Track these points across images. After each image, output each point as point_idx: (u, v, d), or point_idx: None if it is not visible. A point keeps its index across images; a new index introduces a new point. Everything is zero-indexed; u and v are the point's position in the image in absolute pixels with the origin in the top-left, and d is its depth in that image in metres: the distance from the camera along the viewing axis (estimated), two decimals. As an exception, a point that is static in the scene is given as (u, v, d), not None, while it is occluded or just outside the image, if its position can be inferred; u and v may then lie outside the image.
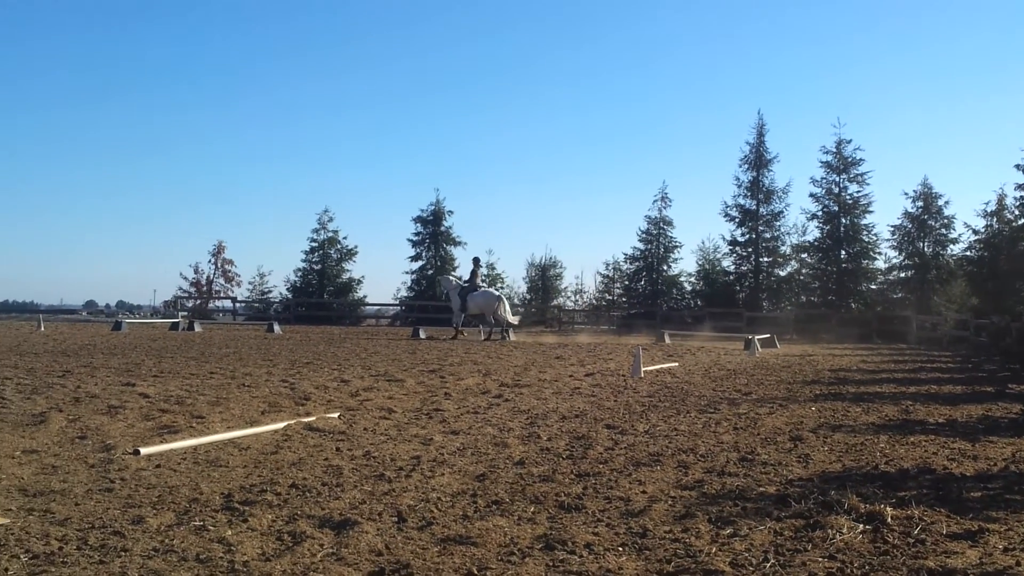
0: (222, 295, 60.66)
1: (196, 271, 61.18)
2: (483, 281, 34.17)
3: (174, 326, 35.32)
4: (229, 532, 5.20)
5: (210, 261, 61.55)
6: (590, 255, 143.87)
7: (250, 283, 60.55)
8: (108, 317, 56.33)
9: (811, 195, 51.53)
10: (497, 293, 34.08)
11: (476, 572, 4.57)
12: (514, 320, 35.32)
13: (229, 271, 61.67)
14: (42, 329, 31.59)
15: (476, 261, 35.44)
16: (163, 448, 7.76)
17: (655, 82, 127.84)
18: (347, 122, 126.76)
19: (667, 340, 32.63)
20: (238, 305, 59.07)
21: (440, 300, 54.41)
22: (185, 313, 49.77)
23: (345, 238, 58.57)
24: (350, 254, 58.19)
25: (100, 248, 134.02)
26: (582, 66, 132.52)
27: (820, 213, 51.41)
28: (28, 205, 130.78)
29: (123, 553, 4.73)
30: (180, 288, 60.86)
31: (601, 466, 7.58)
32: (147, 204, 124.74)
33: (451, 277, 35.40)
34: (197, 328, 34.47)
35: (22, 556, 4.63)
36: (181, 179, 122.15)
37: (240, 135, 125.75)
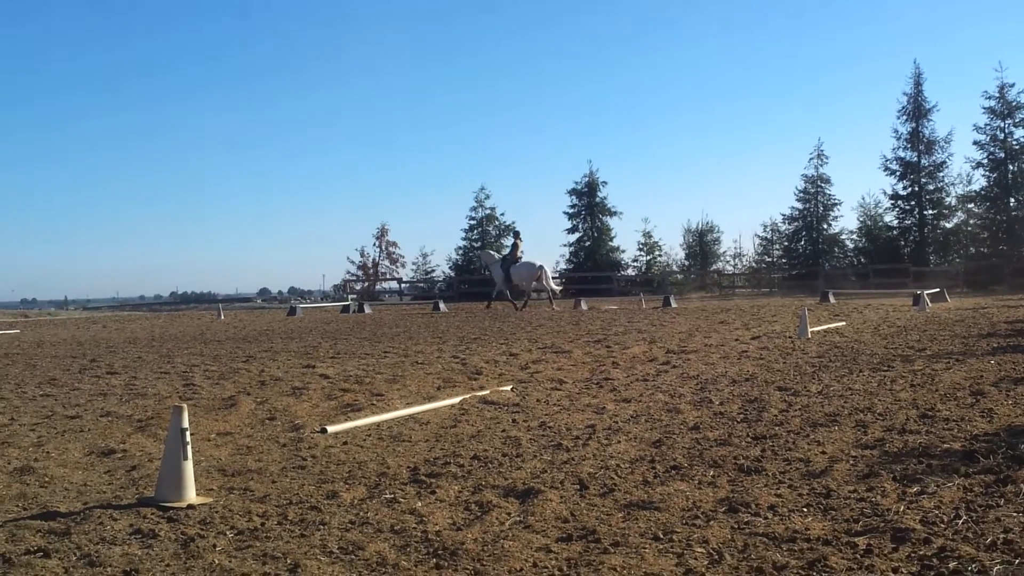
0: (388, 276, 61.99)
1: (362, 255, 62.69)
2: (521, 253, 34.10)
3: (345, 309, 36.36)
4: (419, 504, 5.39)
5: (375, 244, 62.95)
6: (747, 218, 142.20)
7: (414, 263, 61.79)
8: (281, 303, 58.34)
9: (975, 143, 49.68)
10: (539, 263, 34.03)
11: (662, 536, 4.64)
12: (557, 288, 35.71)
13: (393, 253, 62.92)
14: (222, 317, 32.97)
15: (516, 234, 35.97)
16: (348, 426, 8.07)
17: (808, 35, 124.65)
18: (500, 97, 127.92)
19: (831, 300, 31.90)
20: (403, 285, 60.33)
21: (600, 271, 54.54)
22: (354, 296, 51.09)
23: (503, 214, 59.20)
24: (508, 230, 58.67)
25: (271, 237, 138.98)
26: (735, 22, 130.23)
27: (985, 161, 49.48)
28: (204, 202, 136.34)
29: (322, 527, 4.95)
30: (348, 272, 62.58)
31: (777, 428, 7.54)
32: (312, 192, 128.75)
33: (491, 251, 36.42)
34: (367, 310, 35.40)
35: (228, 532, 4.89)
36: (345, 166, 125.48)
37: (396, 119, 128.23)
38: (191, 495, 5.53)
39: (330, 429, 7.86)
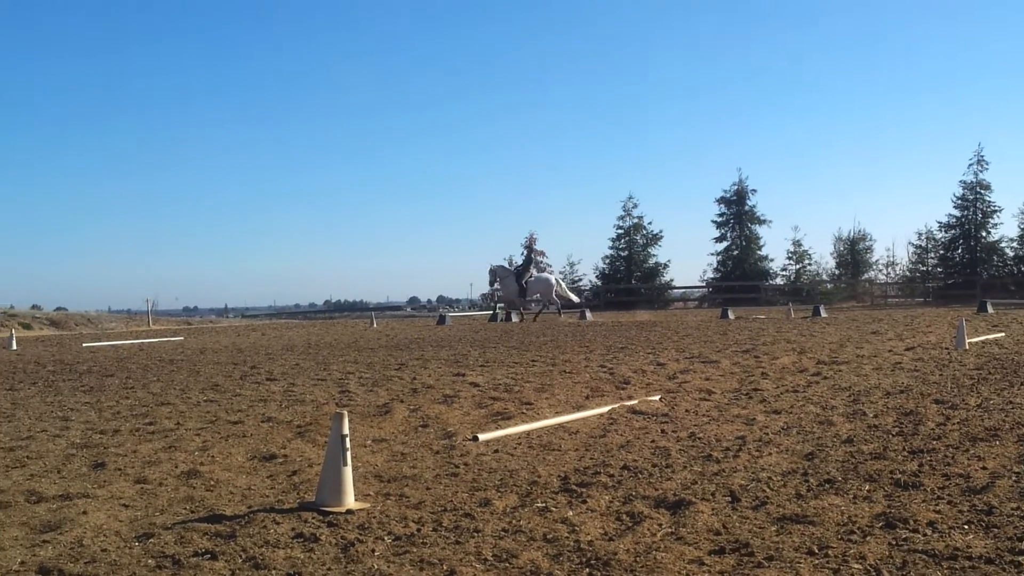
0: (536, 285, 62.16)
1: (510, 263, 63.18)
2: (541, 266, 34.88)
3: (492, 318, 36.70)
4: (570, 513, 5.44)
5: (522, 253, 63.33)
6: (901, 225, 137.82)
7: (561, 272, 61.96)
8: (430, 312, 59.27)
9: None
10: (552, 277, 35.09)
11: (817, 551, 4.58)
12: (575, 298, 37.00)
13: (541, 262, 63.11)
14: (374, 326, 33.68)
15: (531, 241, 36.14)
16: (499, 434, 8.18)
17: (968, 37, 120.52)
18: (649, 104, 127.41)
19: (989, 310, 30.77)
20: (550, 294, 60.49)
21: (748, 280, 53.77)
22: (502, 305, 51.52)
23: (650, 223, 58.91)
24: (655, 239, 58.46)
25: (421, 246, 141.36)
26: (888, 24, 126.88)
27: None
28: (356, 212, 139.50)
29: (476, 534, 5.05)
30: (496, 281, 63.08)
31: (934, 442, 7.34)
32: (460, 202, 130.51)
33: (503, 265, 35.57)
34: (514, 319, 35.65)
35: (386, 538, 5.03)
36: (493, 175, 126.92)
37: (544, 133, 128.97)
38: (350, 500, 5.69)
39: (481, 437, 7.99)
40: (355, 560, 4.61)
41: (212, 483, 6.49)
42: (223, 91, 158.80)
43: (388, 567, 4.48)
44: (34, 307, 45.91)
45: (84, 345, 24.76)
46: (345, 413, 5.81)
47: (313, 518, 5.43)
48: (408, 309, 66.77)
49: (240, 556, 4.72)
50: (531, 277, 33.96)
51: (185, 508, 5.80)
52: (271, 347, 22.11)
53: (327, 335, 28.05)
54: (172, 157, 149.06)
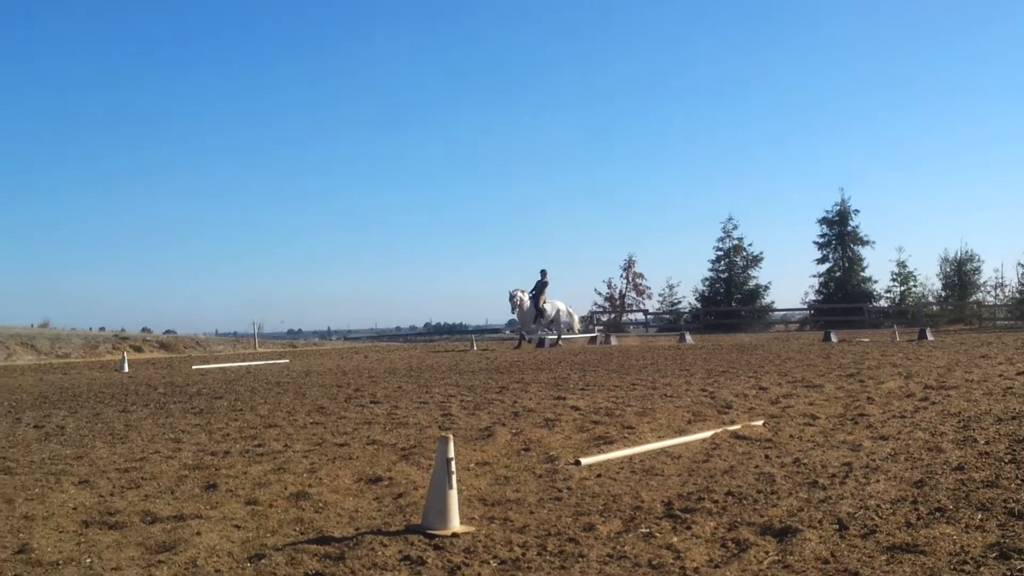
0: (634, 308, 62.24)
1: (609, 286, 63.32)
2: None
3: (592, 340, 36.71)
4: (675, 539, 5.43)
5: (622, 276, 63.48)
6: (1010, 246, 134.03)
7: (660, 295, 61.93)
8: (529, 335, 59.46)
9: None
10: (565, 304, 35.31)
11: (928, 581, 4.51)
12: (578, 326, 37.63)
13: (640, 284, 63.22)
14: (475, 349, 33.90)
15: (543, 273, 35.09)
16: (601, 458, 8.18)
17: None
18: (752, 128, 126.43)
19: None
20: (649, 317, 60.49)
21: (851, 302, 52.89)
22: (601, 327, 51.60)
23: (750, 245, 58.49)
24: (756, 260, 58.02)
25: (518, 269, 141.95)
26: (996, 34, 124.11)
27: None
28: (456, 233, 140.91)
29: (580, 559, 5.07)
30: (595, 303, 63.27)
31: (1051, 471, 7.15)
32: (558, 224, 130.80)
33: (521, 291, 34.37)
34: (613, 341, 35.62)
35: (491, 562, 5.08)
36: (591, 198, 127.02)
37: (641, 153, 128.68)
38: (455, 524, 5.76)
39: (584, 461, 8.00)
40: (462, 583, 4.67)
41: (320, 505, 6.62)
42: (327, 105, 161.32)
43: (495, 591, 4.53)
44: (144, 330, 47.05)
45: (193, 368, 25.37)
46: (451, 437, 5.88)
47: (419, 541, 5.50)
48: (507, 332, 67.03)
49: (349, 578, 4.82)
50: (545, 302, 34.29)
51: (295, 529, 5.93)
52: (374, 370, 22.41)
53: (428, 358, 28.33)
54: (273, 181, 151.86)
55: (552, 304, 34.56)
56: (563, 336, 35.66)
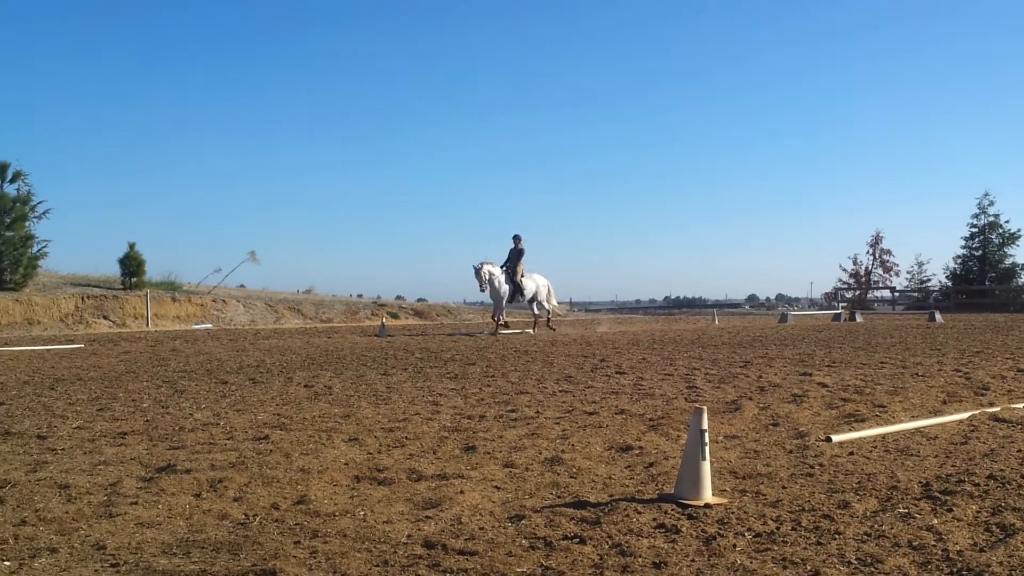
0: (880, 285, 60.44)
1: (855, 262, 61.74)
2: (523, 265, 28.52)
3: (836, 317, 35.80)
4: (935, 520, 5.32)
5: (868, 252, 61.78)
6: None
7: (908, 272, 59.96)
8: (768, 310, 58.54)
9: None
10: (545, 280, 29.15)
11: None
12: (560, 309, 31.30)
13: (887, 261, 61.41)
14: (716, 323, 33.69)
15: (517, 239, 28.75)
16: (853, 436, 8.06)
17: None
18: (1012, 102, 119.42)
19: None
20: (896, 295, 58.56)
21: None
22: (845, 304, 50.28)
23: (1007, 222, 55.67)
24: (1013, 238, 55.05)
25: (759, 244, 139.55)
26: None
27: None
28: (696, 209, 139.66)
29: (836, 536, 5.04)
30: (839, 280, 61.78)
31: None
32: (803, 199, 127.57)
33: (491, 266, 27.75)
34: (858, 319, 34.63)
35: (746, 534, 5.12)
36: (836, 172, 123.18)
37: (893, 122, 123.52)
38: (708, 495, 5.83)
39: (835, 438, 7.91)
40: (717, 554, 4.74)
41: (574, 470, 6.82)
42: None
43: (751, 563, 4.58)
44: (398, 297, 48.93)
45: (446, 335, 26.25)
46: (705, 409, 5.95)
47: (672, 510, 5.61)
48: (746, 307, 66.21)
49: (607, 542, 4.96)
50: (523, 275, 28.51)
51: (551, 493, 6.14)
52: (617, 341, 22.64)
53: (670, 330, 28.34)
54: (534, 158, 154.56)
55: (532, 278, 29.06)
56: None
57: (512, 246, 28.58)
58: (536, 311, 29.28)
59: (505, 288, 27.65)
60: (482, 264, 27.30)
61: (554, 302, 30.11)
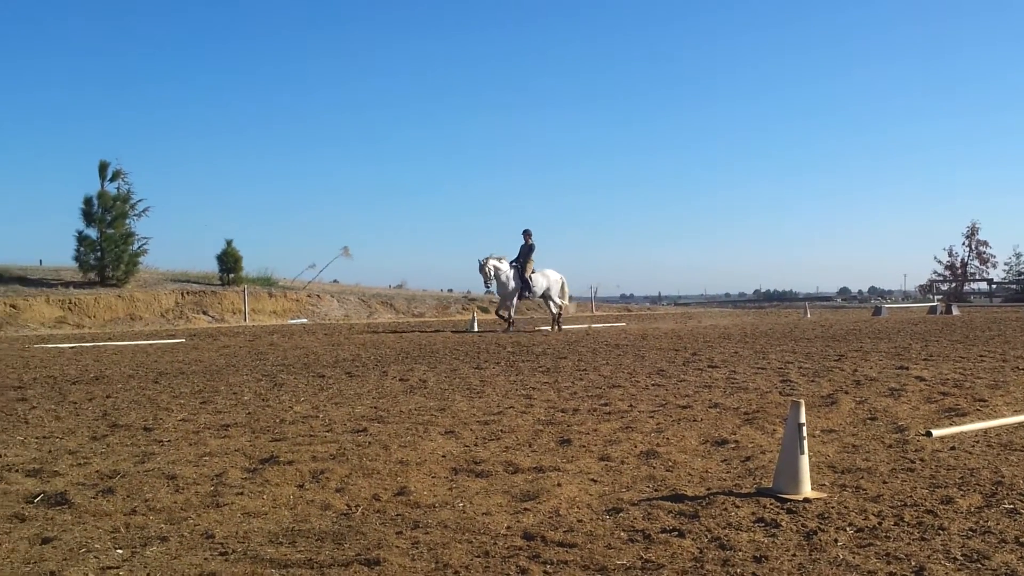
0: (976, 277, 59.29)
1: (950, 254, 60.60)
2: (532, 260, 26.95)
3: (931, 310, 35.13)
4: (1043, 517, 5.23)
5: (964, 243, 60.56)
6: None
7: (1006, 264, 58.70)
8: (861, 303, 57.70)
9: None
10: (558, 275, 27.64)
11: None
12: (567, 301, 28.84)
13: (983, 252, 60.11)
14: (808, 316, 33.29)
15: (527, 234, 27.50)
16: (954, 430, 7.92)
17: None
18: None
19: None
20: (993, 287, 57.41)
21: None
22: (940, 296, 49.33)
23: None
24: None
25: (853, 236, 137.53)
26: None
27: None
28: (787, 202, 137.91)
29: (940, 531, 4.98)
30: (934, 272, 60.67)
31: None
32: (898, 191, 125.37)
33: (496, 261, 26.36)
34: (954, 311, 33.91)
35: (847, 529, 5.07)
36: (932, 163, 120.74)
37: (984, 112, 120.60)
38: (807, 489, 5.80)
39: (935, 433, 7.78)
40: (819, 548, 4.71)
41: (670, 464, 6.82)
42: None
43: (853, 558, 4.54)
44: (488, 292, 49.21)
45: (537, 329, 26.29)
46: (802, 402, 5.91)
47: (771, 504, 5.58)
48: (838, 300, 65.32)
49: (705, 536, 4.96)
50: (533, 271, 27.13)
51: (648, 486, 6.16)
52: (708, 335, 22.52)
53: (761, 324, 28.07)
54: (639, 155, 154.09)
55: (543, 273, 27.69)
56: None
57: (523, 242, 27.56)
58: (553, 309, 28.01)
59: (513, 284, 26.60)
60: (487, 259, 26.18)
61: (567, 299, 29.14)
